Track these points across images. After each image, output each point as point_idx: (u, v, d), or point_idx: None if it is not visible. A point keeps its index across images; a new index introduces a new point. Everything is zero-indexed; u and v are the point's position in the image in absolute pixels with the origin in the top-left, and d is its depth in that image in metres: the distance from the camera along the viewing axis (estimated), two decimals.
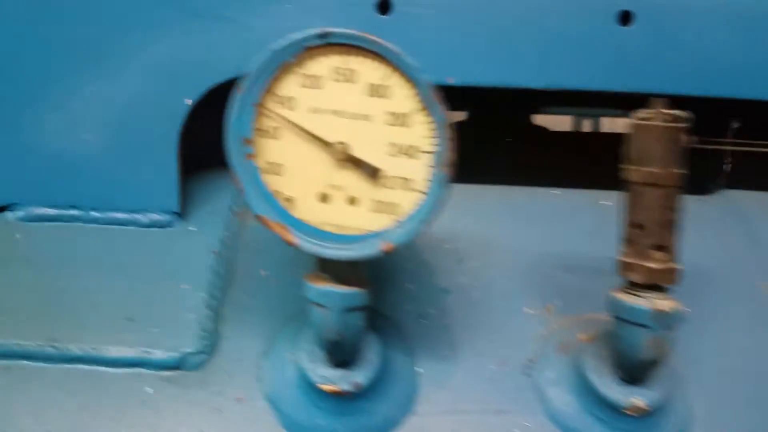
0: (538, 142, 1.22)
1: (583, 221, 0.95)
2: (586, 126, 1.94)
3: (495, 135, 1.20)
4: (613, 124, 1.95)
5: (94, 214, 0.89)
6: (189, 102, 0.85)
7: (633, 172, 0.68)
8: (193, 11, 0.84)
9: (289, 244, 0.66)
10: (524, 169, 1.02)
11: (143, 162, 0.87)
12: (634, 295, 0.70)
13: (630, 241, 0.70)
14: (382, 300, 0.85)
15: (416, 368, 0.82)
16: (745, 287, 0.89)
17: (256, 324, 0.84)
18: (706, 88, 0.88)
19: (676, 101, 0.83)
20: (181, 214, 0.90)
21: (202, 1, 0.84)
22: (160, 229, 0.89)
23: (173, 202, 0.88)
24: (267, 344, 0.83)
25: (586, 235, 0.93)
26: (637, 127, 0.67)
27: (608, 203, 0.98)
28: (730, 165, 1.04)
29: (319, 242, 0.66)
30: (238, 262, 0.89)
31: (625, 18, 0.85)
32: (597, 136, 1.33)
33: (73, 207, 0.89)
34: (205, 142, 0.94)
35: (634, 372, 0.74)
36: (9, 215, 0.90)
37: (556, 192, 0.98)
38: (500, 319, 0.85)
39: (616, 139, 1.09)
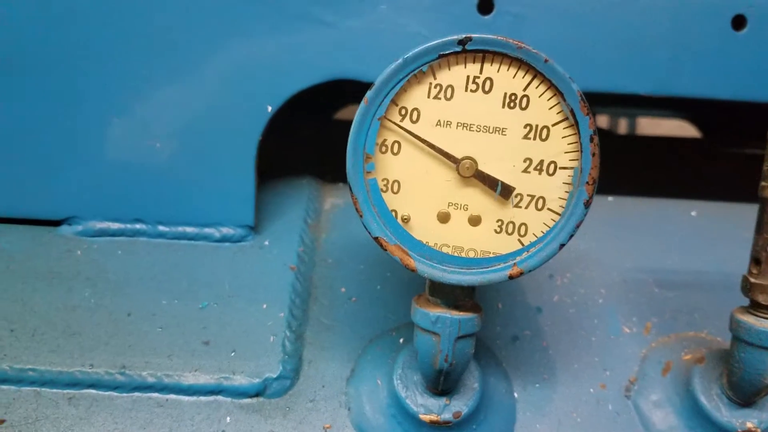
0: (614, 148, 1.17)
1: (673, 233, 0.90)
2: (622, 125, 1.91)
3: None
4: (650, 125, 1.92)
5: (162, 228, 0.82)
6: (270, 109, 0.78)
7: None
8: (280, 11, 0.78)
9: (409, 269, 0.60)
10: (609, 178, 0.97)
11: (218, 172, 0.80)
12: (762, 317, 0.66)
13: (762, 262, 0.65)
14: None
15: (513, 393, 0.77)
16: None
17: (338, 346, 0.78)
18: None
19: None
20: (254, 227, 0.83)
21: (291, 0, 0.77)
22: (233, 244, 0.83)
23: (248, 215, 0.82)
24: (351, 368, 0.77)
25: (678, 248, 0.89)
26: None
27: (694, 214, 0.94)
28: None
29: (438, 266, 0.61)
30: (315, 277, 0.83)
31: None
32: (673, 142, 1.28)
33: (139, 220, 0.82)
34: (275, 150, 0.87)
35: (751, 396, 0.70)
36: (67, 229, 0.83)
37: (644, 202, 0.94)
38: (598, 339, 0.81)
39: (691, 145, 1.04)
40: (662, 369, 0.77)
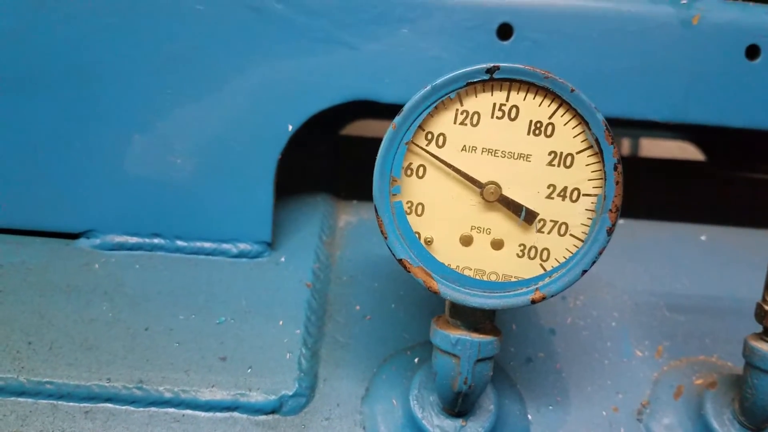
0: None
1: (684, 257, 0.91)
2: (625, 145, 1.93)
3: None
4: (651, 145, 1.94)
5: (180, 243, 0.83)
6: (291, 128, 0.79)
7: None
8: (304, 33, 0.79)
9: (432, 291, 0.61)
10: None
11: (237, 188, 0.81)
12: None
13: None
14: None
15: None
16: None
17: (353, 364, 0.78)
18: None
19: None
20: (271, 243, 0.84)
21: (314, 22, 0.79)
22: (250, 260, 0.83)
23: (265, 231, 0.82)
24: (366, 387, 0.77)
25: (689, 271, 0.90)
26: None
27: (704, 238, 0.95)
28: None
29: (461, 289, 0.61)
30: (330, 295, 0.84)
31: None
32: (680, 165, 1.30)
33: (157, 235, 0.83)
34: (292, 167, 0.88)
35: (763, 422, 0.71)
36: (85, 243, 0.83)
37: (655, 225, 0.95)
38: (610, 362, 0.81)
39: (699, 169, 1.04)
40: (674, 393, 0.78)
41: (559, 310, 0.85)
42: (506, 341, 0.81)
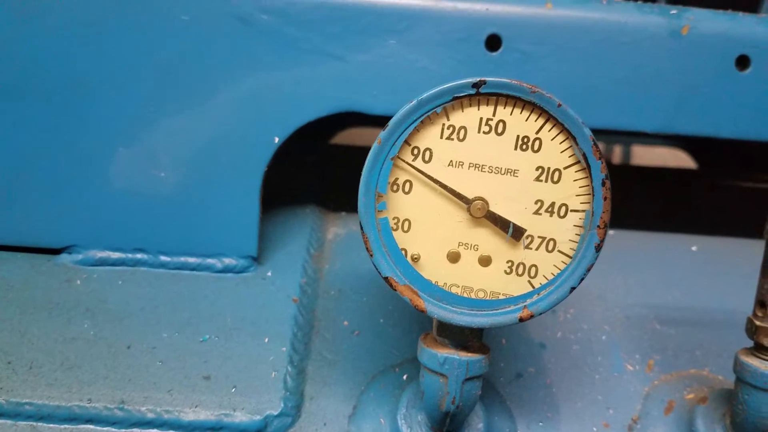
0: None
1: (675, 268, 0.91)
2: (617, 152, 1.93)
3: None
4: (643, 151, 1.94)
5: (163, 258, 0.81)
6: (277, 140, 0.78)
7: None
8: (291, 45, 0.78)
9: (418, 309, 0.60)
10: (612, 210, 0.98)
11: (222, 202, 0.80)
12: (767, 360, 0.66)
13: (767, 304, 0.65)
14: None
15: None
16: None
17: (340, 382, 0.77)
18: None
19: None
20: (257, 258, 0.83)
21: (301, 33, 0.77)
22: (235, 275, 0.82)
23: (251, 245, 0.81)
24: (354, 405, 0.76)
25: (680, 284, 0.89)
26: None
27: (694, 249, 0.94)
28: None
29: (448, 307, 0.60)
30: (318, 310, 0.82)
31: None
32: (671, 173, 1.29)
33: (140, 250, 0.81)
34: (278, 177, 0.87)
35: None
36: (66, 258, 0.82)
37: (646, 236, 0.94)
38: (601, 377, 0.80)
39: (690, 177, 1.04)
40: (665, 408, 0.77)
41: (549, 324, 0.83)
42: (496, 356, 0.80)
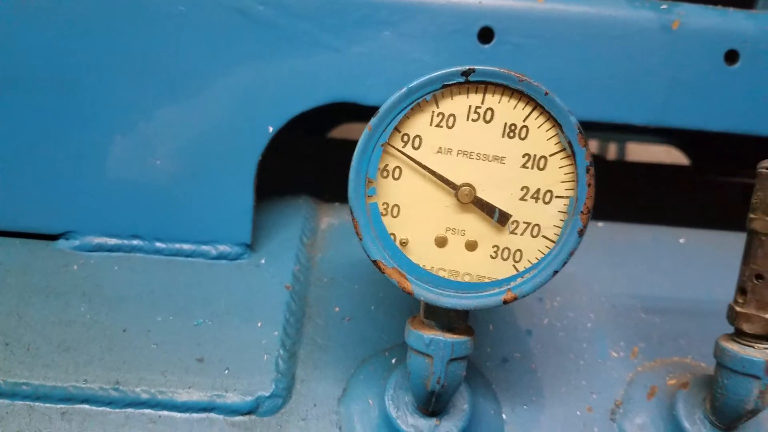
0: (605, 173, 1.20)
1: (662, 259, 0.92)
2: (612, 149, 1.94)
3: None
4: (638, 149, 1.95)
5: (159, 244, 0.82)
6: (271, 129, 0.79)
7: (756, 221, 0.66)
8: (286, 36, 0.79)
9: (406, 291, 0.61)
10: (600, 203, 1.00)
11: (217, 190, 0.81)
12: (746, 345, 0.68)
13: (747, 291, 0.67)
14: None
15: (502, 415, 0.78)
16: None
17: (331, 365, 0.79)
18: None
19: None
20: (251, 245, 0.84)
21: (297, 24, 0.79)
22: (229, 262, 0.84)
23: (245, 233, 0.83)
24: (343, 387, 0.77)
25: (667, 274, 0.91)
26: (762, 176, 0.65)
27: (682, 241, 0.96)
28: None
29: (435, 290, 0.62)
30: (310, 297, 0.84)
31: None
32: (663, 169, 1.31)
33: (136, 236, 0.82)
34: (277, 169, 0.89)
35: (733, 421, 0.72)
36: (64, 244, 0.83)
37: (634, 228, 0.96)
38: (585, 363, 0.82)
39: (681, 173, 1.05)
40: (647, 393, 0.79)
41: (536, 311, 0.85)
42: (483, 341, 0.82)
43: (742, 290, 0.68)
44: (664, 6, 0.84)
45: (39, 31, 0.78)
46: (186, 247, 0.83)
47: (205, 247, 0.83)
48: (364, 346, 0.81)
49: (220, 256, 0.84)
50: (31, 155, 0.81)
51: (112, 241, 0.83)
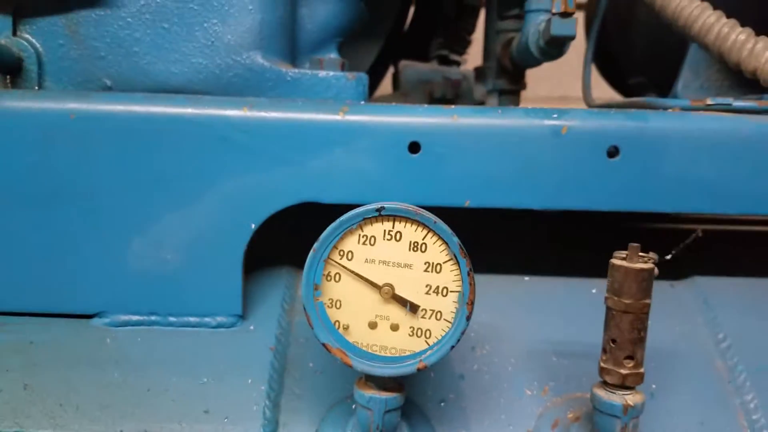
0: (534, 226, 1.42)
1: (575, 309, 1.15)
2: None
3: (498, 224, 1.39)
4: None
5: (171, 318, 1.07)
6: (253, 226, 1.04)
7: (611, 300, 0.88)
8: (260, 154, 1.04)
9: (347, 365, 0.85)
10: (526, 258, 1.22)
11: (214, 274, 1.06)
12: (610, 392, 0.90)
13: (607, 351, 0.90)
14: (410, 387, 1.04)
15: None
16: (705, 366, 1.09)
17: (307, 411, 1.02)
18: (675, 206, 1.09)
19: None
20: (242, 315, 1.09)
21: (268, 146, 1.04)
22: (226, 329, 1.08)
23: (237, 306, 1.07)
24: (315, 429, 1.01)
25: (577, 322, 1.13)
26: (616, 266, 0.87)
27: (594, 291, 1.18)
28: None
29: (368, 362, 0.85)
30: (290, 355, 1.08)
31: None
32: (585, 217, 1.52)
33: (153, 313, 1.07)
34: (265, 244, 1.13)
35: None
36: (98, 321, 1.08)
37: (555, 281, 1.18)
38: (505, 400, 1.05)
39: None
40: (552, 424, 1.01)
41: (468, 359, 1.08)
42: (425, 386, 1.05)
43: (604, 350, 0.90)
44: (555, 115, 1.06)
45: (68, 158, 1.04)
46: (192, 319, 1.08)
47: (207, 319, 1.08)
48: (332, 394, 1.04)
49: (219, 326, 1.08)
50: (68, 254, 1.06)
51: (135, 318, 1.07)
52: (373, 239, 0.84)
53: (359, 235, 0.84)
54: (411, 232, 0.83)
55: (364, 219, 0.82)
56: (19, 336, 1.07)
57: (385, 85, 2.49)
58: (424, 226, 0.82)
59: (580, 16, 2.20)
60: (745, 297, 1.20)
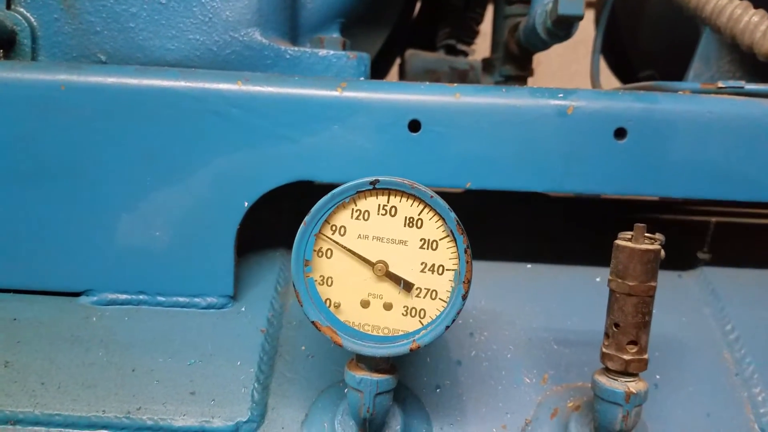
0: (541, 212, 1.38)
1: (578, 297, 1.11)
2: None
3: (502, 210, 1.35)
4: None
5: (160, 298, 1.04)
6: (246, 204, 1.01)
7: (615, 282, 0.84)
8: (255, 130, 1.01)
9: (336, 344, 0.82)
10: (529, 245, 1.19)
11: (205, 253, 1.03)
12: (612, 378, 0.86)
13: (610, 336, 0.86)
14: (404, 372, 1.01)
15: None
16: (712, 358, 1.05)
17: (297, 395, 0.99)
18: (684, 191, 1.05)
19: None
20: (234, 296, 1.05)
21: (263, 121, 1.00)
22: (216, 311, 1.05)
23: (228, 286, 1.04)
24: (306, 413, 0.97)
25: (580, 310, 1.09)
26: (620, 247, 0.83)
27: (598, 279, 1.15)
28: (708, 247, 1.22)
29: (359, 342, 0.82)
30: (281, 338, 1.04)
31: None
32: (594, 203, 1.49)
33: (142, 292, 1.04)
34: (256, 226, 1.10)
35: None
36: (85, 299, 1.05)
37: (558, 269, 1.15)
38: (503, 387, 1.01)
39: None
40: (551, 414, 0.98)
41: (466, 345, 1.05)
42: (420, 371, 1.02)
43: (606, 335, 0.87)
44: (561, 95, 1.03)
45: (61, 133, 1.01)
46: (181, 299, 1.04)
47: (196, 299, 1.05)
48: (324, 378, 1.01)
49: (209, 306, 1.05)
50: (58, 230, 1.03)
51: (123, 297, 1.04)
52: (366, 214, 0.80)
53: (352, 209, 0.80)
54: (406, 207, 0.79)
55: (358, 192, 0.79)
56: (2, 312, 1.04)
57: (392, 76, 2.45)
58: (421, 200, 0.78)
59: (589, 12, 2.16)
60: (753, 289, 1.16)
